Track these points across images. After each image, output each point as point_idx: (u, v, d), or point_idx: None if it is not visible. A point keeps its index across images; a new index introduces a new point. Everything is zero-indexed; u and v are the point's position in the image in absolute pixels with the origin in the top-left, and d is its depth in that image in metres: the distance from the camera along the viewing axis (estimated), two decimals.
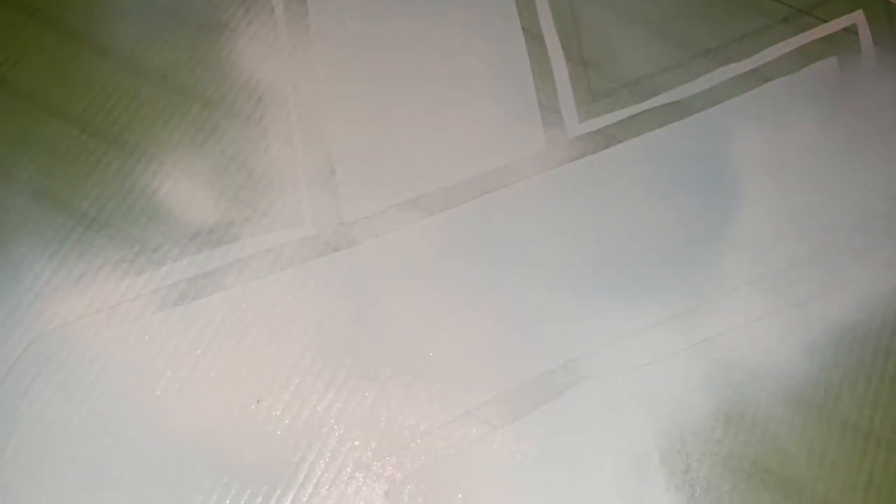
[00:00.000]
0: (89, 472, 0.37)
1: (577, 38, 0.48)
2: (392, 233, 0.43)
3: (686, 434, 0.40)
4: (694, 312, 0.42)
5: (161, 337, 0.40)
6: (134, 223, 0.42)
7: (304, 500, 0.37)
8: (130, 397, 0.39)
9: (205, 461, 0.38)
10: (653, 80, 0.47)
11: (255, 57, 0.47)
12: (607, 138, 0.46)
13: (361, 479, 0.38)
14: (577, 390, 0.40)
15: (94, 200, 0.42)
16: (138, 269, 0.41)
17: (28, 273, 0.40)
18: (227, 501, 0.37)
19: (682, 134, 0.46)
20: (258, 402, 0.39)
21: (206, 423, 0.39)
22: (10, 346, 0.39)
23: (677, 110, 0.46)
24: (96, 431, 0.38)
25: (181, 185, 0.43)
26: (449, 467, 0.39)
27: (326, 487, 0.38)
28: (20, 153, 0.43)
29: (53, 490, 0.37)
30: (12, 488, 0.36)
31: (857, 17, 0.49)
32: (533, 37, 0.48)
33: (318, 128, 0.45)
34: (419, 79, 0.47)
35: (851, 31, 0.49)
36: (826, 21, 0.49)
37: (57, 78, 0.45)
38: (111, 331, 0.40)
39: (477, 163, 0.45)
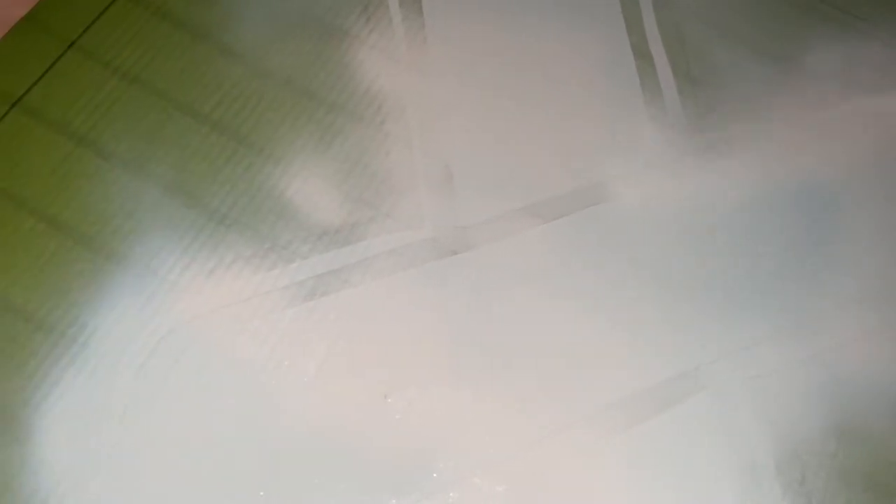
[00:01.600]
0: (221, 460, 0.38)
1: (684, 56, 0.50)
2: (509, 238, 0.44)
3: (801, 446, 0.41)
4: (809, 325, 0.43)
5: (292, 331, 0.41)
6: (263, 220, 0.43)
7: (427, 496, 0.38)
8: (262, 389, 0.40)
9: (333, 453, 0.39)
10: (759, 100, 0.49)
11: (375, 64, 0.48)
12: (716, 153, 0.47)
13: (481, 479, 0.39)
14: (694, 399, 0.41)
15: (224, 197, 0.44)
16: (269, 265, 0.42)
17: (163, 265, 0.42)
18: (353, 494, 0.38)
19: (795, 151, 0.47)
20: (385, 397, 0.40)
21: (335, 416, 0.39)
22: (147, 335, 0.40)
23: None
24: (228, 421, 0.39)
25: (308, 186, 0.44)
26: (568, 471, 0.39)
27: (448, 485, 0.39)
28: (154, 149, 0.44)
29: (187, 478, 0.38)
30: (150, 473, 0.37)
31: None
32: (642, 55, 0.49)
33: (436, 134, 0.46)
34: (533, 89, 0.48)
35: None
36: None
37: (188, 77, 0.46)
38: (244, 324, 0.41)
39: (590, 172, 0.46)
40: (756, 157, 0.47)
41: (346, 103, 0.46)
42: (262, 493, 0.38)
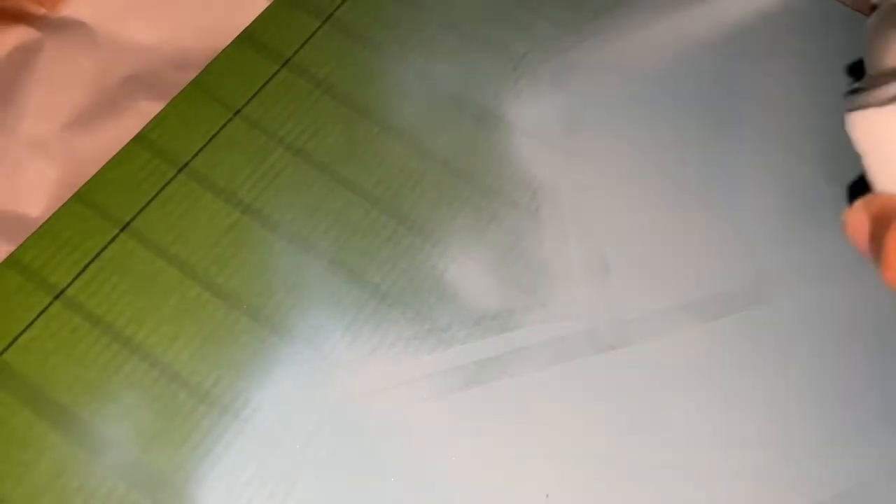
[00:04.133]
0: None
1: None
2: (666, 337, 0.44)
3: None
4: None
5: (450, 418, 0.40)
6: (423, 301, 0.43)
7: None
8: (422, 478, 0.39)
9: None
10: None
11: (529, 151, 0.48)
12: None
13: None
14: None
15: (385, 275, 0.44)
16: (429, 348, 0.42)
17: (326, 341, 0.41)
18: None
19: None
20: (547, 496, 0.39)
21: None
22: (310, 413, 0.39)
23: None
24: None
25: (465, 269, 0.44)
26: None
27: None
28: (317, 222, 0.44)
29: None
30: None
31: None
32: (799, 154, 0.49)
33: (591, 225, 0.46)
34: (694, 186, 0.48)
35: None
36: None
37: (349, 152, 0.46)
38: (406, 408, 0.40)
39: (749, 272, 0.46)
40: None
41: (500, 188, 0.47)
42: None
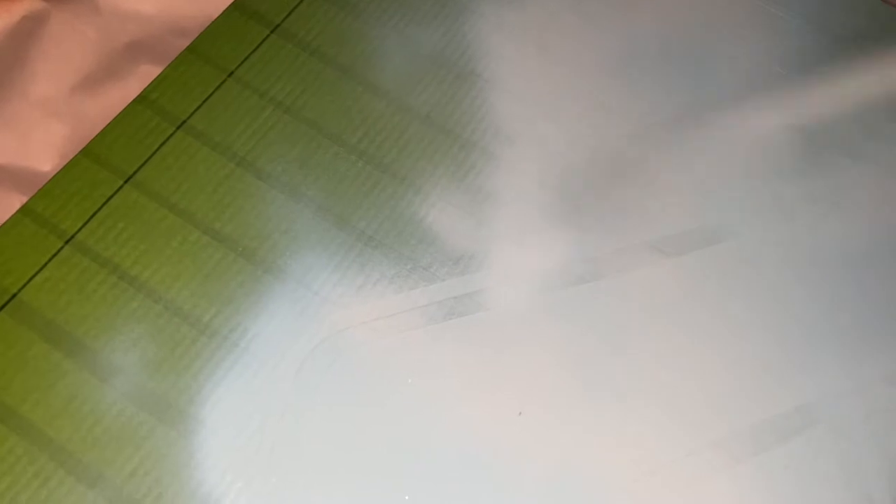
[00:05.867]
0: (368, 462, 0.41)
1: None
2: (635, 271, 0.47)
3: None
4: None
5: (431, 347, 0.44)
6: (406, 244, 0.46)
7: None
8: (404, 399, 0.42)
9: (469, 464, 0.41)
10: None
11: (505, 105, 0.52)
12: (828, 203, 0.50)
13: (605, 499, 0.41)
14: (809, 434, 0.43)
15: (370, 220, 0.47)
16: (412, 285, 0.45)
17: (315, 280, 0.45)
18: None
19: None
20: (520, 413, 0.43)
21: (471, 429, 0.42)
22: (303, 342, 0.43)
23: None
24: (374, 426, 0.42)
25: (445, 214, 0.48)
26: (690, 496, 0.42)
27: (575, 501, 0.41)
28: (306, 173, 0.48)
29: (337, 475, 0.40)
30: (306, 468, 0.40)
31: None
32: None
33: (564, 171, 0.50)
34: (662, 138, 0.51)
35: None
36: None
37: (335, 109, 0.50)
38: (390, 337, 0.44)
39: (711, 212, 0.49)
40: (872, 199, 0.50)
41: (478, 140, 0.50)
42: (406, 498, 0.40)
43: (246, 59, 0.51)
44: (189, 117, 0.49)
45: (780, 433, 0.43)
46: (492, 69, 0.53)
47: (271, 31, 0.52)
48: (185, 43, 0.51)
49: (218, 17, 0.52)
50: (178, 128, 0.48)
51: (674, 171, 0.50)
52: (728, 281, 0.47)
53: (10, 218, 0.45)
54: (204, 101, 0.49)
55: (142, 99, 0.49)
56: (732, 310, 0.46)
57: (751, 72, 0.55)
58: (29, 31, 0.50)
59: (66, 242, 0.44)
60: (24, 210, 0.45)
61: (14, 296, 0.43)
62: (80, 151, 0.47)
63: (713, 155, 0.51)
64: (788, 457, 0.43)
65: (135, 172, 0.47)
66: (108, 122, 0.48)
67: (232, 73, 0.50)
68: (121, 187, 0.46)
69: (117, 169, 0.47)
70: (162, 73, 0.50)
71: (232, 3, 0.53)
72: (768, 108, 0.53)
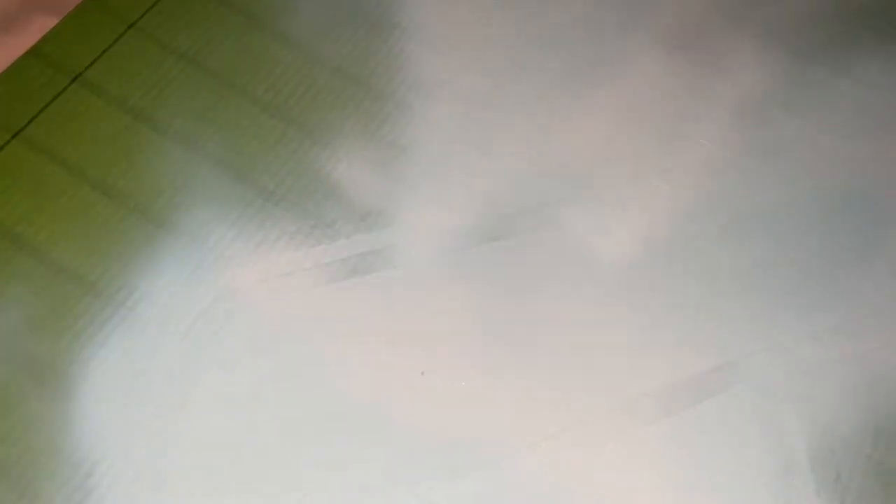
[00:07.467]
0: (261, 424, 0.39)
1: None
2: (548, 229, 0.45)
3: (837, 444, 0.40)
4: (850, 326, 0.43)
5: (333, 306, 0.42)
6: (309, 199, 0.44)
7: (456, 473, 0.39)
8: (303, 359, 0.40)
9: (368, 425, 0.39)
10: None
11: (422, 56, 0.49)
12: (760, 153, 0.47)
13: (512, 460, 0.39)
14: (732, 391, 0.41)
15: (272, 175, 0.45)
16: (313, 242, 0.43)
17: (211, 235, 0.43)
18: (385, 464, 0.38)
19: None
20: (422, 373, 0.41)
21: (373, 388, 0.40)
22: (193, 302, 0.41)
23: None
24: (270, 387, 0.40)
25: (353, 169, 0.45)
26: (600, 457, 0.40)
27: (480, 463, 0.39)
28: (206, 126, 0.46)
29: (231, 434, 0.38)
30: (196, 430, 0.38)
31: None
32: None
33: (478, 126, 0.47)
34: (570, 77, 0.49)
35: None
36: None
37: (242, 61, 0.47)
38: (288, 296, 0.42)
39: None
40: (800, 158, 0.48)
41: (393, 92, 0.48)
42: (301, 465, 0.38)
43: (150, 8, 0.48)
44: (85, 70, 0.46)
45: (697, 393, 0.41)
46: (410, 18, 0.50)
47: None
48: None
49: None
50: (72, 81, 0.46)
51: (586, 130, 0.48)
52: (649, 238, 0.45)
53: None
54: (102, 53, 0.47)
55: (35, 51, 0.46)
56: (651, 267, 0.44)
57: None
58: None
59: None
60: None
61: None
62: None
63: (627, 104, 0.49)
64: (705, 418, 0.40)
65: (23, 128, 0.44)
66: None
67: (133, 23, 0.48)
68: (8, 142, 0.44)
69: (3, 124, 0.44)
70: (58, 24, 0.47)
71: None
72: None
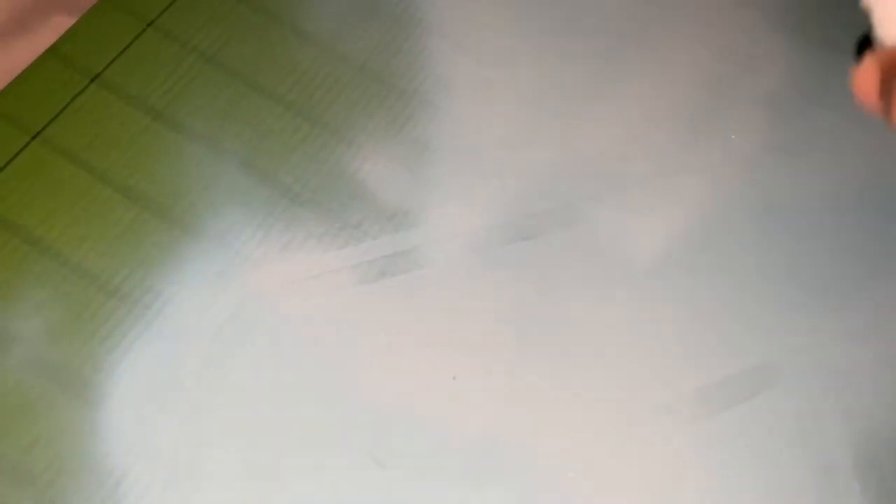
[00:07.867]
0: (289, 428, 0.38)
1: None
2: (579, 226, 0.44)
3: (880, 444, 0.39)
4: (882, 325, 0.42)
5: (361, 308, 0.41)
6: (335, 200, 0.43)
7: (491, 480, 0.38)
8: (330, 363, 0.39)
9: (399, 431, 0.38)
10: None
11: (446, 52, 0.48)
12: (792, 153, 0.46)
13: (549, 464, 0.38)
14: (769, 392, 0.40)
15: (297, 176, 0.44)
16: (340, 244, 0.42)
17: (237, 239, 0.42)
18: (415, 469, 0.38)
19: None
20: (454, 378, 0.40)
21: (402, 394, 0.39)
22: (220, 306, 0.40)
23: None
24: (297, 391, 0.39)
25: (378, 168, 0.44)
26: (639, 460, 0.39)
27: (517, 472, 0.38)
28: (229, 126, 0.45)
29: (261, 438, 0.38)
30: (226, 435, 0.37)
31: None
32: None
33: (505, 123, 0.46)
34: (588, 85, 0.48)
35: None
36: None
37: (263, 59, 0.47)
38: (315, 300, 0.41)
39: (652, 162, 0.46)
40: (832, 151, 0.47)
41: (417, 89, 0.47)
42: (331, 469, 0.38)
43: (169, 6, 0.47)
44: (104, 70, 0.45)
45: (735, 395, 0.40)
46: (433, 14, 0.49)
47: None
48: None
49: None
50: (91, 81, 0.45)
51: (607, 127, 0.47)
52: (689, 239, 0.44)
53: None
54: (121, 53, 0.46)
55: (53, 51, 0.45)
56: (682, 266, 0.43)
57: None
58: None
59: None
60: None
61: None
62: None
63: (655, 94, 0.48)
64: (744, 421, 0.39)
65: (43, 129, 0.43)
66: (15, 76, 0.45)
67: (152, 22, 0.47)
68: (27, 144, 0.43)
69: (23, 125, 0.43)
70: (75, 24, 0.46)
71: None
72: None
